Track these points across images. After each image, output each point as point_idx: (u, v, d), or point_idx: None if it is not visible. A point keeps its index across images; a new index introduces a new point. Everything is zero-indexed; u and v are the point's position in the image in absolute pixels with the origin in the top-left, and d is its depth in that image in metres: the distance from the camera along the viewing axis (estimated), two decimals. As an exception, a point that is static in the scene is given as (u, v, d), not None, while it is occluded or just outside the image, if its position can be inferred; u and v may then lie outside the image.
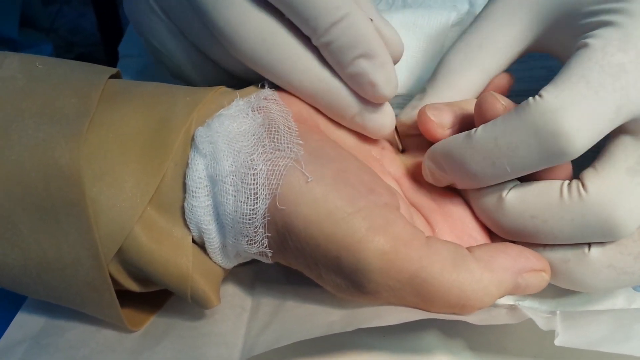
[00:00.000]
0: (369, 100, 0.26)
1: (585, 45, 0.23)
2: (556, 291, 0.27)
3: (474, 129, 0.24)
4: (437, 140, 0.27)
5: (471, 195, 0.27)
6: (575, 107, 0.21)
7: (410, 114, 0.29)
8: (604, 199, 0.23)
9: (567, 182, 0.24)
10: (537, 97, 0.22)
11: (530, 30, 0.28)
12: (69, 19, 1.09)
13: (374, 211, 0.23)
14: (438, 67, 0.29)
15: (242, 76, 0.29)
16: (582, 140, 0.22)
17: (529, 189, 0.24)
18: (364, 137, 0.28)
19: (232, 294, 0.28)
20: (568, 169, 0.25)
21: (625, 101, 0.22)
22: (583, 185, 0.23)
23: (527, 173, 0.24)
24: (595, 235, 0.23)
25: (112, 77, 0.27)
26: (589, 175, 0.23)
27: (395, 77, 0.26)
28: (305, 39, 0.26)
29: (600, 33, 0.23)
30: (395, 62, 0.27)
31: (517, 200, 0.25)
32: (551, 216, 0.24)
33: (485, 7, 0.29)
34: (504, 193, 0.25)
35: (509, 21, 0.28)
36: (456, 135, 0.25)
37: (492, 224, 0.26)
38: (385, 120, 0.27)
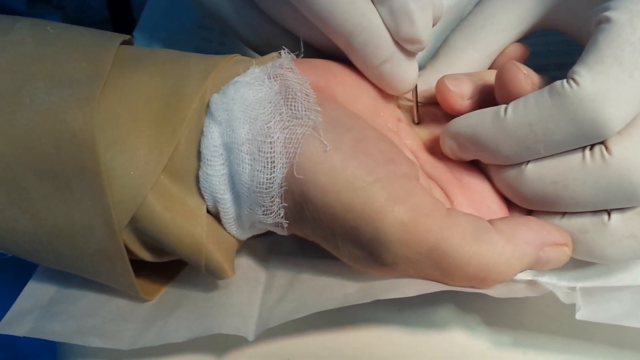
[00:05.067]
0: (402, 43, 0.26)
1: (609, 20, 0.22)
2: (575, 267, 0.27)
3: (502, 109, 0.24)
4: (456, 111, 0.27)
5: (491, 166, 0.26)
6: (613, 93, 0.21)
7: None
8: (628, 161, 0.22)
9: (589, 146, 0.23)
10: (572, 82, 0.22)
11: (536, 8, 0.27)
12: (76, -4, 1.08)
13: (393, 181, 0.22)
14: (441, 45, 0.29)
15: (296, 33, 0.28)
16: (619, 124, 0.22)
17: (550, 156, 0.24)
18: (382, 109, 0.28)
19: (247, 266, 0.28)
20: None
21: None
22: (607, 148, 0.23)
23: (559, 151, 0.23)
24: (618, 200, 0.23)
25: (124, 43, 0.26)
26: (613, 138, 0.23)
27: (430, 30, 0.26)
28: None
29: (623, 4, 0.22)
30: (434, 22, 0.26)
31: (537, 167, 0.24)
32: (573, 180, 0.23)
33: None
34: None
35: (513, 1, 0.28)
36: (480, 114, 0.24)
37: (511, 192, 0.25)
38: (410, 73, 0.27)
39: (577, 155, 0.23)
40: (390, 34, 0.26)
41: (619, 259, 0.24)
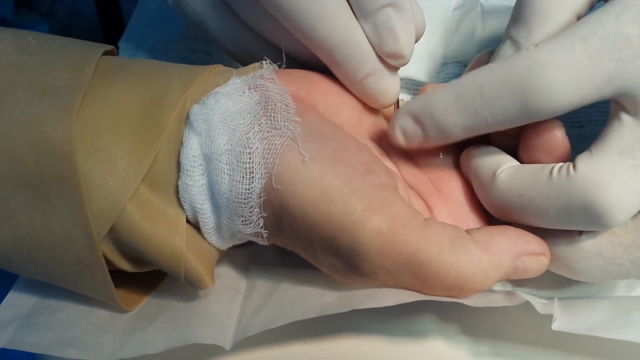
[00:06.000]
0: (385, 58, 0.26)
1: (604, 3, 0.22)
2: (554, 280, 0.27)
3: (460, 79, 0.23)
4: None
5: (472, 166, 0.26)
6: (565, 64, 0.21)
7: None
8: (591, 179, 0.21)
9: (560, 164, 0.23)
10: (530, 47, 0.22)
11: None
12: (68, 3, 1.08)
13: (371, 191, 0.22)
14: (521, 11, 0.25)
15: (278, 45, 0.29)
16: (564, 98, 0.21)
17: (523, 167, 0.24)
18: (364, 119, 0.28)
19: (227, 275, 0.28)
20: (567, 151, 0.24)
21: (619, 72, 0.21)
22: (574, 166, 0.22)
23: (506, 127, 0.23)
24: (580, 221, 0.22)
25: (107, 54, 0.26)
26: (582, 157, 0.22)
27: (414, 44, 0.26)
28: None
29: None
30: (417, 39, 0.27)
31: (508, 177, 0.24)
32: (537, 195, 0.23)
33: None
34: (500, 168, 0.24)
35: None
36: (437, 88, 0.24)
37: (484, 199, 0.25)
38: (393, 87, 0.27)
39: (546, 171, 0.23)
40: (374, 48, 0.26)
41: (587, 276, 0.24)
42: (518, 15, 0.25)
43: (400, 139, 0.26)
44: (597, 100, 0.22)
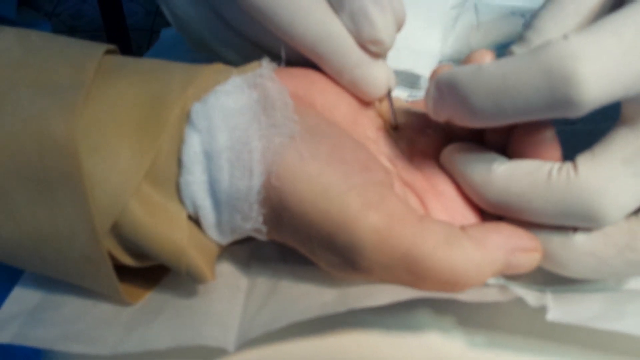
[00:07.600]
0: (366, 46, 0.26)
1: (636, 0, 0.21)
2: (547, 275, 0.27)
3: (484, 65, 0.22)
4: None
5: (458, 166, 0.26)
6: (598, 59, 0.20)
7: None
8: (592, 184, 0.22)
9: (559, 163, 0.23)
10: (559, 38, 0.20)
11: None
12: (71, 4, 1.09)
13: (368, 188, 0.23)
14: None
15: (260, 43, 0.29)
16: (592, 94, 0.20)
17: (520, 166, 0.24)
18: (361, 117, 0.28)
19: (228, 272, 0.28)
20: (557, 152, 0.24)
21: None
22: (575, 167, 0.22)
23: (526, 119, 0.22)
24: (578, 222, 0.23)
25: (109, 53, 0.27)
26: (583, 158, 0.22)
27: (393, 31, 0.26)
28: None
29: None
30: (398, 27, 0.27)
31: (505, 177, 0.24)
32: (537, 197, 0.23)
33: None
34: (494, 166, 0.24)
35: None
36: (467, 65, 0.23)
37: (477, 197, 0.25)
38: (381, 77, 0.27)
39: (545, 172, 0.23)
40: (355, 39, 0.26)
41: (578, 273, 0.24)
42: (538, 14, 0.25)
43: (430, 111, 0.25)
44: (619, 100, 0.21)
